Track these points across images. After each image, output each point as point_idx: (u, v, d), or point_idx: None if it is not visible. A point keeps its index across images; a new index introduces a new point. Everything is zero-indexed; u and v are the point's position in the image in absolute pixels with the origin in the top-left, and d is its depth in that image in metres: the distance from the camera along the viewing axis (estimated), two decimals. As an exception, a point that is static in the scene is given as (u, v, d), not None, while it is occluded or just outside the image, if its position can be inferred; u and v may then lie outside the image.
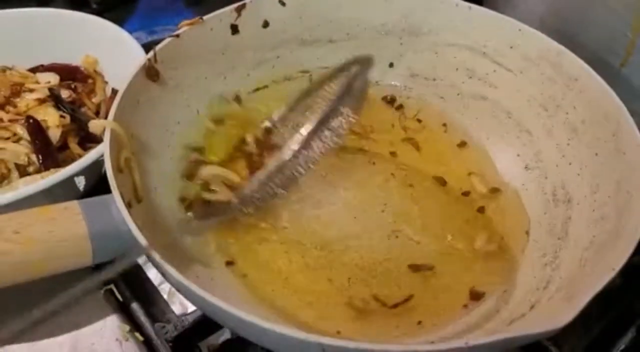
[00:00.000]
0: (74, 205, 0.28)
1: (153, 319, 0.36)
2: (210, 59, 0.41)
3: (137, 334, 0.35)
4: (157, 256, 0.26)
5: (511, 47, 0.41)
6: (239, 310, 0.24)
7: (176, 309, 0.37)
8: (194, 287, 0.25)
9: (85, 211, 0.28)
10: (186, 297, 0.28)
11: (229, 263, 0.35)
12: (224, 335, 0.42)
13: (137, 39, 0.46)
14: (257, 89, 0.44)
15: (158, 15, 0.57)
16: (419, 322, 0.33)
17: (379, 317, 0.33)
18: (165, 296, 0.38)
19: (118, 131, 0.32)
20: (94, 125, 0.33)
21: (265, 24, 0.43)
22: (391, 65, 0.46)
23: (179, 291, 0.28)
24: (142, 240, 0.27)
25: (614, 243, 0.30)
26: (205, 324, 0.35)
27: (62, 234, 0.27)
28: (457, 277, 0.35)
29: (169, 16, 0.54)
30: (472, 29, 0.43)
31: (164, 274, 0.27)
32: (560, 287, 0.32)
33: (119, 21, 0.47)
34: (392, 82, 0.46)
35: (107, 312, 0.36)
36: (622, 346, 0.36)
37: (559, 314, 0.26)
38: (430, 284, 0.35)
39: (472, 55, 0.43)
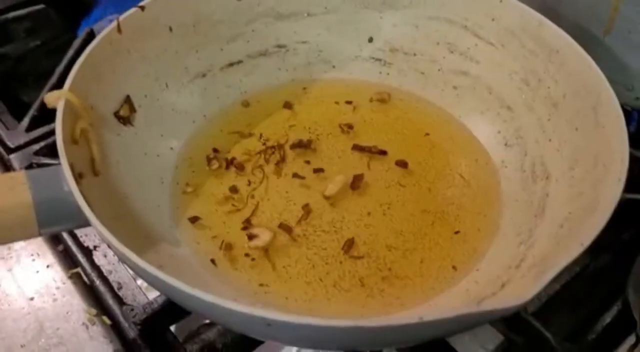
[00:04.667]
0: (20, 174, 0.27)
1: (121, 302, 0.35)
2: (180, 32, 0.40)
3: (105, 318, 0.34)
4: (98, 225, 0.25)
5: (492, 20, 0.40)
6: (180, 282, 0.23)
7: (150, 295, 0.36)
8: (133, 257, 0.24)
9: (32, 180, 0.27)
10: (132, 269, 0.27)
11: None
12: (203, 320, 0.42)
13: (110, 21, 0.45)
14: (231, 64, 0.43)
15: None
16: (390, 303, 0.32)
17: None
18: (138, 282, 0.37)
19: (73, 101, 0.31)
20: (50, 97, 0.32)
21: (239, -4, 0.42)
22: (370, 39, 0.44)
23: (125, 263, 0.27)
24: (88, 212, 0.26)
25: (588, 219, 0.28)
26: (176, 307, 0.34)
27: (6, 203, 0.26)
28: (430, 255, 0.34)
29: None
30: (453, 1, 0.41)
31: (109, 245, 0.26)
32: (532, 265, 0.30)
33: (92, 3, 0.46)
34: (372, 56, 0.44)
35: (73, 295, 0.35)
36: (608, 320, 0.35)
37: (526, 291, 0.24)
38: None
39: (453, 29, 0.42)
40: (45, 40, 0.60)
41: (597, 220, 0.27)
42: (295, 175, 0.38)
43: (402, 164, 0.38)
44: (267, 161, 0.39)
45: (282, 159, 0.39)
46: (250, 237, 0.34)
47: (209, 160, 0.38)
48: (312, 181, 0.38)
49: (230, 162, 0.39)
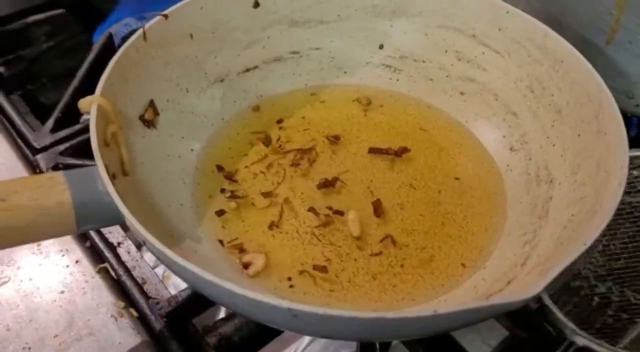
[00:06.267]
0: (59, 175, 0.29)
1: (147, 296, 0.36)
2: (200, 39, 0.42)
3: (132, 310, 0.35)
4: (135, 223, 0.27)
5: (499, 29, 0.41)
6: (208, 273, 0.25)
7: (171, 290, 0.38)
8: (167, 251, 0.26)
9: (69, 181, 0.29)
10: (165, 264, 0.29)
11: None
12: (219, 315, 0.43)
13: (126, 25, 0.47)
14: (247, 70, 0.45)
15: (149, 1, 0.57)
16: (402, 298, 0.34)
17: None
18: (160, 278, 0.39)
19: (105, 106, 0.33)
20: (83, 102, 0.33)
21: (256, 4, 0.43)
22: (381, 46, 0.46)
23: (158, 258, 0.29)
24: (124, 209, 0.28)
25: (590, 221, 0.30)
26: (198, 300, 0.36)
27: (47, 202, 0.28)
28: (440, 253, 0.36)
29: (159, 2, 0.54)
30: (462, 10, 0.43)
31: (144, 242, 0.28)
32: (537, 263, 0.32)
33: (107, 8, 0.47)
34: (382, 63, 0.46)
35: (101, 289, 0.36)
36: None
37: (532, 287, 0.26)
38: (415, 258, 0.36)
39: (461, 38, 0.43)
40: (59, 42, 0.62)
41: (598, 222, 0.29)
42: (307, 177, 0.40)
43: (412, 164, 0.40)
44: (282, 164, 0.41)
45: (298, 162, 0.40)
46: (246, 266, 0.35)
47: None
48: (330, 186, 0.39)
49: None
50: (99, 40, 0.54)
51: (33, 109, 0.53)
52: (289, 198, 0.38)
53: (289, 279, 0.35)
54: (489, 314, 0.27)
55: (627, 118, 0.44)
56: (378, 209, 0.37)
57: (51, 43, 0.62)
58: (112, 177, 0.31)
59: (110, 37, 0.55)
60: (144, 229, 0.27)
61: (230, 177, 0.39)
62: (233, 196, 0.38)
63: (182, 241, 0.35)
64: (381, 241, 0.36)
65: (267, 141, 0.42)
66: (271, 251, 0.36)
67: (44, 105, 0.57)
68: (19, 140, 0.46)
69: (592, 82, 0.36)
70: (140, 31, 0.38)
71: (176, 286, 0.44)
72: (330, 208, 0.37)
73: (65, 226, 0.29)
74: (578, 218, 0.32)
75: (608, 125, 0.34)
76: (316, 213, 0.37)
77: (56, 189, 0.29)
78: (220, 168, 0.40)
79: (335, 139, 0.42)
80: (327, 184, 0.39)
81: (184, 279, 0.29)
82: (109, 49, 0.52)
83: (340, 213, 0.37)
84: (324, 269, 0.34)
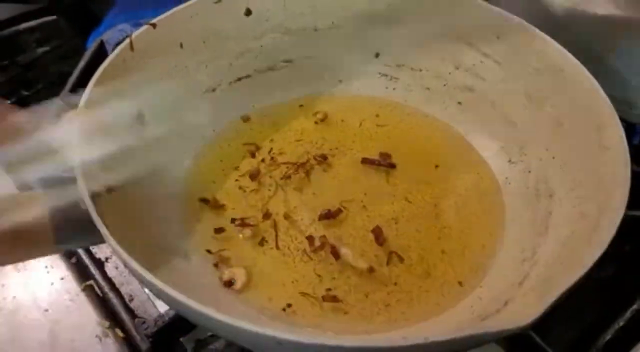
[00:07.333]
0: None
1: (133, 315, 0.35)
2: (191, 48, 0.41)
3: (118, 330, 0.34)
4: (116, 246, 0.26)
5: (498, 37, 0.40)
6: (191, 300, 0.24)
7: (159, 307, 0.37)
8: (146, 274, 0.25)
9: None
10: (146, 286, 0.28)
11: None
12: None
13: (121, 31, 0.46)
14: (240, 79, 0.44)
15: (142, 7, 0.56)
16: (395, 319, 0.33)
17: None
18: (149, 293, 0.38)
19: (89, 119, 0.32)
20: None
21: (248, 12, 0.42)
22: (377, 55, 0.45)
23: (139, 280, 0.28)
24: (103, 229, 0.27)
25: (591, 240, 0.29)
26: (186, 319, 0.35)
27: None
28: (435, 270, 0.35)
29: (153, 8, 0.53)
30: (460, 18, 0.42)
31: (125, 264, 0.27)
32: (535, 283, 0.31)
33: (103, 12, 0.47)
34: (378, 72, 0.45)
35: (86, 307, 0.35)
36: (609, 336, 0.36)
37: (530, 310, 0.25)
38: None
39: (458, 46, 0.42)
40: (54, 47, 0.61)
41: (599, 242, 0.28)
42: (300, 190, 0.39)
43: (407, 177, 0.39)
44: (273, 176, 0.40)
45: (291, 175, 0.39)
46: (228, 284, 0.34)
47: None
48: (323, 196, 0.38)
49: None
50: (90, 47, 0.53)
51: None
52: (280, 213, 0.37)
53: (280, 297, 0.33)
54: (484, 340, 0.26)
55: (631, 126, 0.43)
56: (379, 236, 0.35)
57: (46, 48, 0.61)
58: (97, 195, 0.30)
59: (102, 44, 0.54)
60: (124, 251, 0.26)
61: (217, 206, 0.38)
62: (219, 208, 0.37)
63: (170, 256, 0.34)
64: (375, 256, 0.35)
65: (258, 153, 0.41)
66: (261, 267, 0.35)
67: (37, 113, 0.56)
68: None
69: (593, 92, 0.34)
70: (127, 41, 0.37)
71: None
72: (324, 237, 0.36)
73: (43, 246, 0.28)
74: (577, 235, 0.31)
75: (610, 139, 0.32)
76: (312, 242, 0.35)
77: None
78: (205, 201, 0.38)
79: (328, 151, 0.41)
80: (329, 216, 0.36)
81: (166, 303, 0.28)
82: (101, 55, 0.51)
83: (335, 251, 0.35)
84: (334, 299, 0.33)
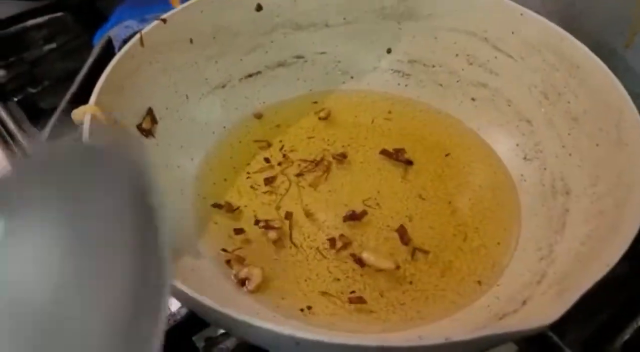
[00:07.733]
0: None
1: (143, 314, 0.35)
2: (200, 43, 0.40)
3: (129, 330, 0.34)
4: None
5: (513, 33, 0.40)
6: (209, 299, 0.23)
7: (172, 305, 0.36)
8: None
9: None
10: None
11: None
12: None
13: (127, 27, 0.45)
14: (250, 75, 0.43)
15: (150, 3, 0.56)
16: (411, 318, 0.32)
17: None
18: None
19: (99, 116, 0.31)
20: (77, 113, 0.32)
21: (259, 7, 0.42)
22: (389, 51, 0.44)
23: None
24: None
25: (611, 238, 0.29)
26: (198, 318, 0.35)
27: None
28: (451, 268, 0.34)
29: (160, 4, 0.52)
30: (473, 13, 0.41)
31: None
32: (553, 282, 0.30)
33: (110, 9, 0.46)
34: (391, 68, 0.44)
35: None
36: (627, 336, 0.35)
37: (549, 310, 0.25)
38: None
39: (472, 41, 0.42)
40: (61, 44, 0.61)
41: (620, 240, 0.27)
42: (314, 188, 0.38)
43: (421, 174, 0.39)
44: (286, 173, 0.39)
45: (304, 172, 0.39)
46: (243, 282, 0.33)
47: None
48: (337, 194, 0.38)
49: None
50: (97, 44, 0.53)
51: (33, 114, 0.52)
52: (294, 211, 0.37)
53: (294, 296, 0.33)
54: (503, 340, 0.25)
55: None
56: (404, 236, 0.35)
57: (53, 45, 0.60)
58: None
59: (109, 40, 0.54)
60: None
61: (231, 210, 0.37)
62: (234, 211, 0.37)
63: (181, 255, 0.33)
64: (390, 254, 0.35)
65: (269, 150, 0.40)
66: (274, 266, 0.34)
67: (44, 111, 0.56)
68: (15, 148, 0.44)
69: (611, 88, 0.34)
70: (137, 37, 0.36)
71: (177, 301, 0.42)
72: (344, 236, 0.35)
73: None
74: (597, 234, 0.30)
75: (629, 135, 0.32)
76: (333, 244, 0.35)
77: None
78: (218, 206, 0.37)
79: (341, 147, 0.41)
80: (354, 217, 0.36)
81: (181, 301, 0.28)
82: (109, 52, 0.50)
83: (359, 260, 0.34)
84: (360, 300, 0.32)
